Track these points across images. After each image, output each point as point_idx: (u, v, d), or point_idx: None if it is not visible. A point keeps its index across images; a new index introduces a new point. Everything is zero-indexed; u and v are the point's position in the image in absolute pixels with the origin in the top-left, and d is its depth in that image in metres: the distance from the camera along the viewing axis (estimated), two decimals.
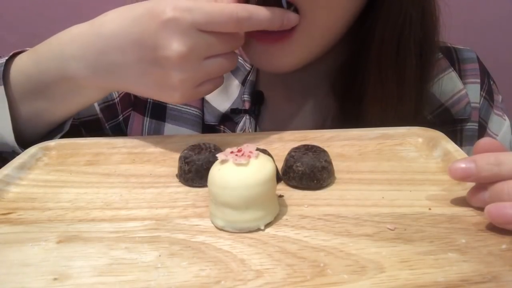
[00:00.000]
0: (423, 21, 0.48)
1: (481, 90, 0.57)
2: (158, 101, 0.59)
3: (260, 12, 0.40)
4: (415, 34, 0.48)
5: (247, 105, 0.58)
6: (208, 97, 0.59)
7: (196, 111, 0.59)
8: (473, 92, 0.57)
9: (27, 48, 0.48)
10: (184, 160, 0.37)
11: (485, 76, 0.58)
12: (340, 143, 0.44)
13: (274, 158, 0.37)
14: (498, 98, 0.60)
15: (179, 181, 0.38)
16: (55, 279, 0.27)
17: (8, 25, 0.87)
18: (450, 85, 0.55)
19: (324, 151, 0.37)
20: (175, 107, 0.60)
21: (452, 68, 0.56)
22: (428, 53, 0.50)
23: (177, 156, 0.39)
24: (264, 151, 0.37)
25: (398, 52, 0.48)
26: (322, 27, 0.46)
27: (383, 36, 0.48)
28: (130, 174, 0.40)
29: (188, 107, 0.59)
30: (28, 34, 0.87)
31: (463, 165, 0.31)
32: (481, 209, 0.31)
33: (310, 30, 0.45)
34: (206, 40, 0.39)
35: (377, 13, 0.48)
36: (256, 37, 0.46)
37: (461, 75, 0.57)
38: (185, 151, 0.38)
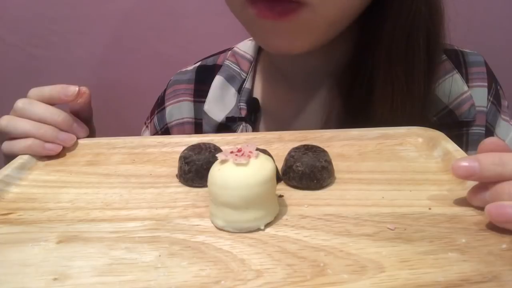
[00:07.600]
0: (430, 16, 0.48)
1: (488, 94, 0.56)
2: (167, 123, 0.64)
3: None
4: (423, 30, 0.48)
5: (243, 113, 0.58)
6: (206, 108, 0.59)
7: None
8: (480, 96, 0.56)
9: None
10: (184, 160, 0.37)
11: (492, 81, 0.57)
12: (340, 143, 0.44)
13: (274, 158, 0.37)
14: (505, 103, 0.59)
15: (179, 181, 0.38)
16: (55, 279, 0.27)
17: (8, 25, 0.87)
18: (454, 87, 0.54)
19: (324, 151, 0.37)
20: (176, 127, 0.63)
21: (456, 70, 0.55)
22: (434, 50, 0.50)
23: (177, 156, 0.39)
24: (264, 151, 0.37)
25: (407, 48, 0.48)
26: (325, 10, 0.43)
27: (393, 32, 0.48)
28: (130, 174, 0.40)
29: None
30: (28, 34, 0.87)
31: (466, 164, 0.31)
32: (481, 208, 0.31)
33: (312, 13, 0.43)
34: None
35: (386, 8, 0.47)
36: (260, 13, 0.43)
37: (468, 78, 0.56)
38: (185, 151, 0.38)
